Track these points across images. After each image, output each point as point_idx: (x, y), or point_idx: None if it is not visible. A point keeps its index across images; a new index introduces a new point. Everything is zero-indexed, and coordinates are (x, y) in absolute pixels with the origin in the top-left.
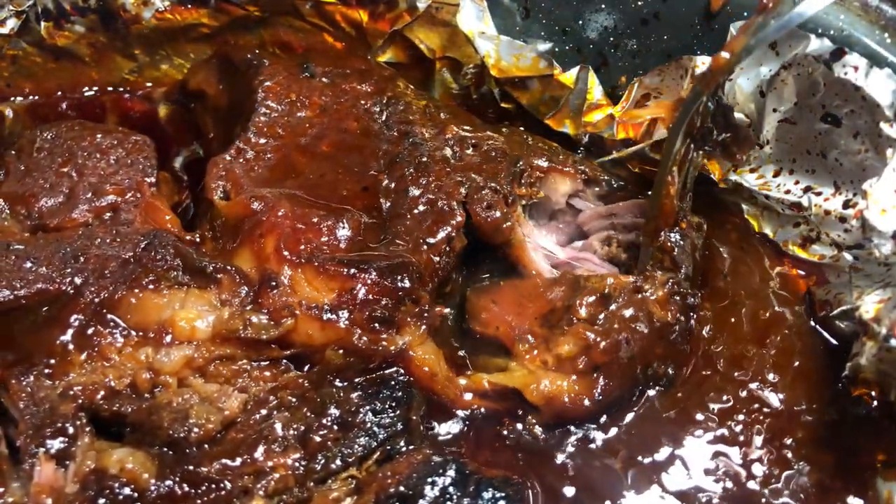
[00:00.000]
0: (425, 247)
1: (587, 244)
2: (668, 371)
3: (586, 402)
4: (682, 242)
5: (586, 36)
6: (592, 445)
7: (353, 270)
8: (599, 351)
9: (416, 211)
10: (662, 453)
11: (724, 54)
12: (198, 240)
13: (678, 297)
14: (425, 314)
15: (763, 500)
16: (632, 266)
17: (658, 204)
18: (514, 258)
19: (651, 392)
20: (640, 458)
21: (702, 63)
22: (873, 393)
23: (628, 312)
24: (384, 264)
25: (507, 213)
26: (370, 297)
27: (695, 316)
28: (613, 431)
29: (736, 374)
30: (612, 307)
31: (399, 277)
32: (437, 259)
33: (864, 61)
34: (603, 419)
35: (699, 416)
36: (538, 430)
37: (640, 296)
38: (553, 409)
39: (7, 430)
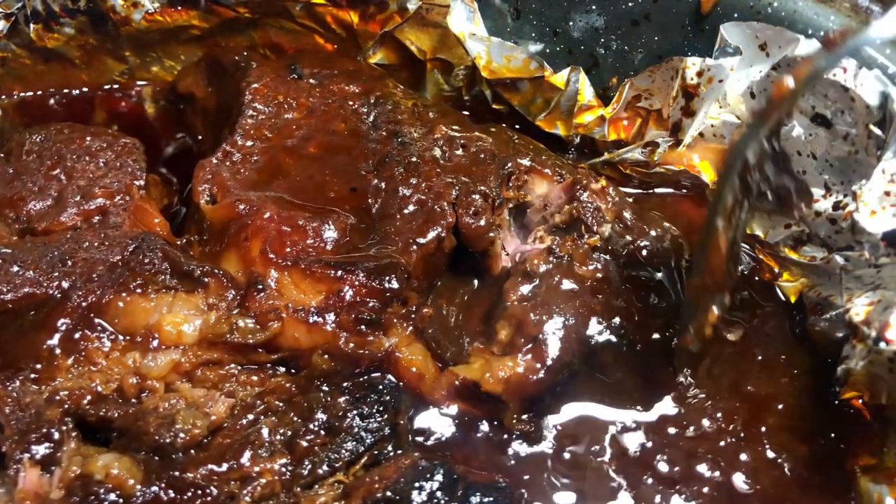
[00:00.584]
0: (415, 247)
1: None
2: (614, 324)
3: (539, 373)
4: (591, 206)
5: (577, 37)
6: (578, 444)
7: (339, 272)
8: (531, 324)
9: (405, 211)
10: (646, 448)
11: (789, 81)
12: (183, 242)
13: (601, 254)
14: (412, 315)
15: (746, 494)
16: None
17: (706, 259)
18: (486, 266)
19: (619, 374)
20: (626, 452)
21: (692, 64)
22: (863, 397)
23: (550, 281)
24: (372, 265)
25: (492, 222)
26: (357, 298)
27: (634, 270)
28: (599, 427)
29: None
30: (535, 281)
31: (387, 278)
32: (427, 259)
33: (852, 63)
34: (587, 407)
35: (684, 412)
36: (520, 423)
37: (557, 262)
38: (512, 390)
39: None
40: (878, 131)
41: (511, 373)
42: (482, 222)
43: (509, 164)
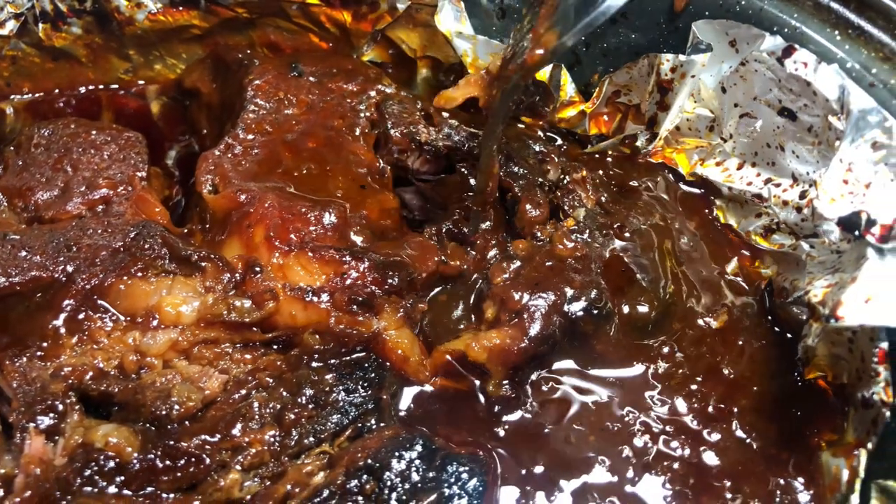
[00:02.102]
0: (435, 259)
1: None
2: (593, 297)
3: (521, 342)
4: (569, 193)
5: None
6: (556, 418)
7: (348, 257)
8: (514, 300)
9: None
10: (622, 424)
11: (540, 51)
12: (186, 231)
13: (579, 235)
14: (407, 304)
15: (715, 470)
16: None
17: (485, 180)
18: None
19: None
20: (603, 426)
21: (666, 61)
22: (827, 376)
23: (532, 262)
24: (380, 258)
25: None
26: (357, 283)
27: (612, 246)
28: (580, 401)
29: (699, 356)
30: (518, 263)
31: (390, 273)
32: (438, 274)
33: (812, 57)
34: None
35: (662, 386)
36: (503, 388)
37: (539, 244)
38: (496, 358)
39: (1, 409)
40: (837, 123)
41: (494, 343)
42: (540, 212)
43: (538, 155)
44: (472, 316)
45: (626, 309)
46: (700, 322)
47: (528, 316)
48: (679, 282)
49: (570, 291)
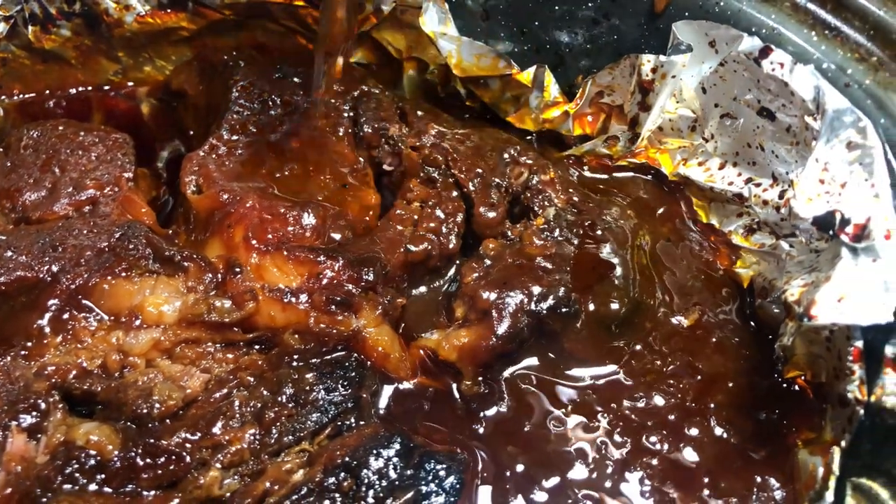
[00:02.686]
0: (402, 249)
1: None
2: (561, 295)
3: (490, 340)
4: (539, 193)
5: (543, 36)
6: (532, 416)
7: (322, 257)
8: (482, 298)
9: (401, 214)
10: (599, 421)
11: None
12: (171, 232)
13: (549, 234)
14: (385, 301)
15: (692, 466)
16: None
17: (328, 29)
18: None
19: (568, 344)
20: (585, 425)
21: (647, 61)
22: (805, 375)
23: (501, 261)
24: (353, 256)
25: (505, 213)
26: (334, 282)
27: (580, 244)
28: (558, 399)
29: (674, 353)
30: (487, 262)
31: (365, 269)
32: (410, 265)
33: (788, 58)
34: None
35: (637, 387)
36: (475, 387)
37: (508, 244)
38: (466, 355)
39: None
40: (813, 123)
41: (463, 342)
42: (496, 214)
43: (507, 157)
44: (443, 315)
45: (595, 306)
46: (672, 320)
47: (497, 314)
48: (651, 280)
49: (537, 290)
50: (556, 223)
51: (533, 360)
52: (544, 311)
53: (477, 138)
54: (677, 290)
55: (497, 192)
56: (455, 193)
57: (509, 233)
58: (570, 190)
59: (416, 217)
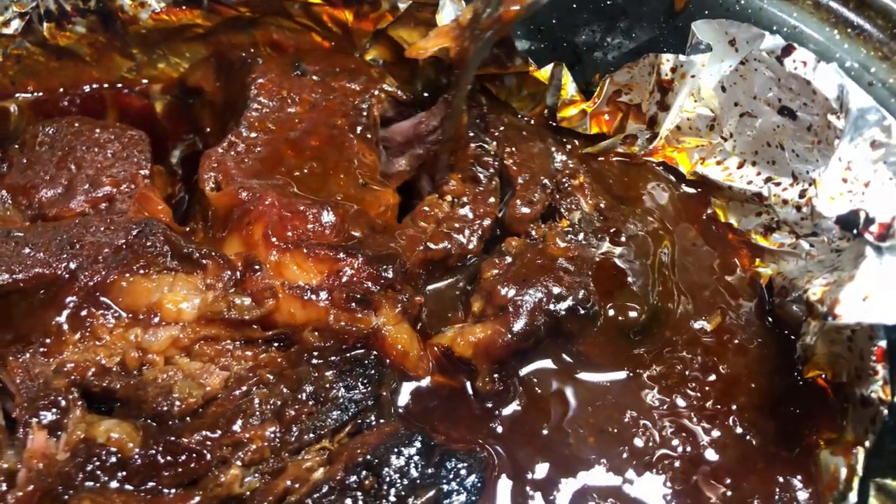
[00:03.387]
0: (421, 248)
1: None
2: (580, 297)
3: (505, 337)
4: (567, 197)
5: (560, 34)
6: (549, 417)
7: (341, 254)
8: (500, 294)
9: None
10: (620, 423)
11: (515, 7)
12: (189, 229)
13: (573, 237)
14: (404, 299)
15: (715, 468)
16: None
17: (454, 128)
18: None
19: (581, 347)
20: (605, 427)
21: (667, 61)
22: (826, 375)
23: (523, 259)
24: (372, 253)
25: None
26: (353, 279)
27: (606, 250)
28: (577, 401)
29: (695, 355)
30: (508, 259)
31: (384, 267)
32: (429, 262)
33: (812, 56)
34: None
35: (657, 386)
36: (490, 385)
37: (531, 243)
38: (481, 353)
39: (4, 404)
40: (836, 121)
41: (478, 337)
42: (530, 211)
43: (559, 162)
44: (461, 310)
45: (614, 312)
46: (694, 325)
47: (514, 310)
48: (671, 288)
49: (556, 290)
50: (580, 227)
51: (548, 361)
52: (563, 312)
53: (537, 138)
54: (699, 293)
55: (541, 192)
56: (492, 200)
57: (533, 232)
58: (599, 196)
59: (440, 215)
